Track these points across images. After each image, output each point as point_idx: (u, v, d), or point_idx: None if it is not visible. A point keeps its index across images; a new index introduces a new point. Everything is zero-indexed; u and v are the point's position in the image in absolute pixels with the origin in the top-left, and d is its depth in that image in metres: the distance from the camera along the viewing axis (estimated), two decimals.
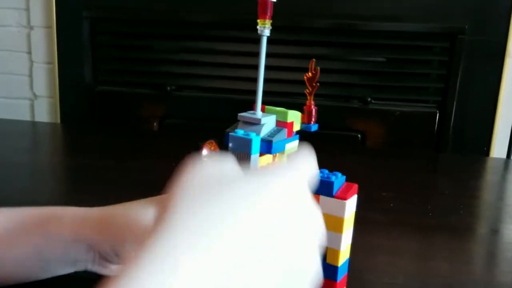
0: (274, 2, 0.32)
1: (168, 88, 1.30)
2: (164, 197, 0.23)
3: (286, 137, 0.34)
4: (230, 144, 0.32)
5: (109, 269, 0.34)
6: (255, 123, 0.33)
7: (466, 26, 1.18)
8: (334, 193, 0.32)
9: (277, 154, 0.34)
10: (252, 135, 0.32)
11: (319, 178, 0.32)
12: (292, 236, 0.21)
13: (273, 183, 0.21)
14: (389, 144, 1.26)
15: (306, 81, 0.36)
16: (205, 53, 1.31)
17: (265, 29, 0.32)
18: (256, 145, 0.31)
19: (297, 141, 0.36)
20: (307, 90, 0.36)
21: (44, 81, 1.41)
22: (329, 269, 0.33)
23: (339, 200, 0.32)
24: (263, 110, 0.35)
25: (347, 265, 0.34)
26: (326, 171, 0.34)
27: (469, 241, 0.62)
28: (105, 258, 0.33)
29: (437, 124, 1.24)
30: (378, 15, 1.22)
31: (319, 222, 0.23)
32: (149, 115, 1.34)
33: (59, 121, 1.40)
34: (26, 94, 1.43)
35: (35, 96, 1.43)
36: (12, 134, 1.01)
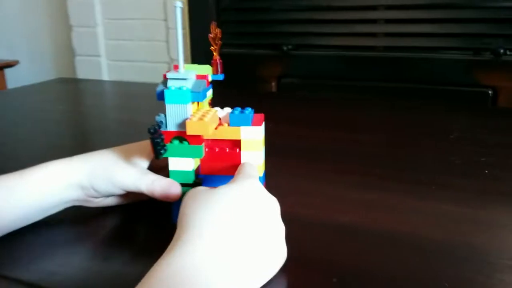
0: None
1: (285, 48, 1.34)
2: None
3: (206, 86, 0.41)
4: (166, 99, 0.39)
5: (92, 203, 0.45)
6: (183, 79, 0.40)
7: None
8: (250, 123, 0.40)
9: (202, 102, 0.42)
10: (186, 89, 0.39)
11: (237, 113, 0.40)
12: (260, 219, 0.34)
13: (245, 192, 0.35)
14: None
15: (210, 40, 0.41)
16: (319, 10, 1.31)
17: (178, 1, 0.38)
18: (189, 96, 0.39)
19: (211, 90, 0.43)
20: (212, 48, 0.41)
21: None
22: None
23: (255, 127, 0.40)
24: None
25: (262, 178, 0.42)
26: (239, 109, 0.41)
27: None
28: (89, 196, 0.43)
29: None
30: None
31: (275, 204, 0.36)
32: (267, 75, 1.40)
33: None
34: (164, 58, 1.61)
35: (172, 60, 1.59)
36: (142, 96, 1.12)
